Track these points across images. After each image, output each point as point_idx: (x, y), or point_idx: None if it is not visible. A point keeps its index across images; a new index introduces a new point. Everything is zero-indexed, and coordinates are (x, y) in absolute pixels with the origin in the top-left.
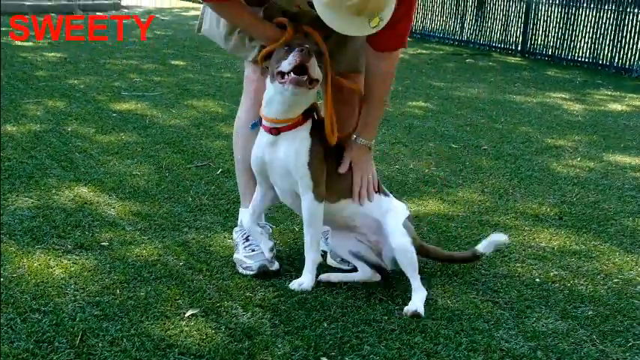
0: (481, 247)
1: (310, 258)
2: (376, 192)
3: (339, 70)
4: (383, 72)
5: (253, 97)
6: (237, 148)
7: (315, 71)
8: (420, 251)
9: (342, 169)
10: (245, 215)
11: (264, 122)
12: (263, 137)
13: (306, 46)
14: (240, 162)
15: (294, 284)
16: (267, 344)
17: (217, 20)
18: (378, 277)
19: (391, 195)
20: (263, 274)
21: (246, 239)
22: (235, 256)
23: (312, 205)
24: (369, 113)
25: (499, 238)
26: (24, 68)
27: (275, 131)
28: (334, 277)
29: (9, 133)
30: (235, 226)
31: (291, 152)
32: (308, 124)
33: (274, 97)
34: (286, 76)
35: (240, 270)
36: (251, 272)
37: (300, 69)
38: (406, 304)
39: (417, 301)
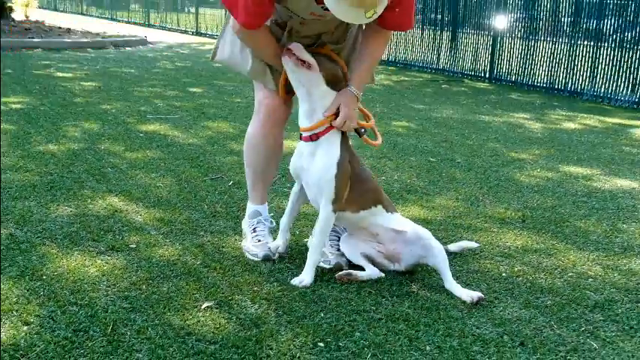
0: (452, 246)
1: (312, 259)
2: (389, 212)
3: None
4: (380, 39)
5: (263, 118)
6: (247, 157)
7: (302, 52)
8: None
9: (330, 111)
10: (254, 209)
11: (303, 135)
12: (304, 148)
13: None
14: (249, 166)
15: (296, 281)
16: (272, 332)
17: (241, 48)
18: (382, 274)
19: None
20: (267, 260)
21: (254, 230)
22: (243, 243)
23: (329, 215)
24: (362, 68)
25: (469, 244)
26: (64, 95)
27: (315, 137)
28: (354, 274)
29: (51, 151)
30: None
31: (325, 163)
32: (339, 135)
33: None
34: None
35: (248, 256)
36: (257, 258)
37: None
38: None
39: (461, 291)
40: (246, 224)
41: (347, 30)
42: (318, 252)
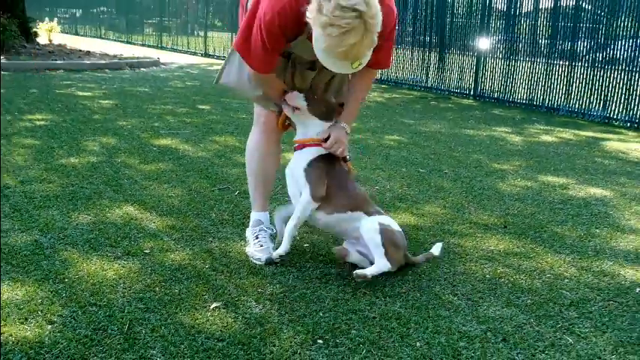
0: (435, 250)
1: (289, 234)
2: (367, 213)
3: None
4: (367, 79)
5: (261, 131)
6: (249, 167)
7: (294, 101)
8: (407, 260)
9: (323, 135)
10: (256, 217)
11: (296, 145)
12: (294, 155)
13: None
14: (251, 176)
15: (275, 255)
16: (275, 330)
17: (249, 76)
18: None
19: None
20: (269, 263)
21: (256, 237)
22: (247, 249)
23: (308, 201)
24: (351, 107)
25: (436, 248)
26: (84, 113)
27: (302, 147)
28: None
29: (72, 164)
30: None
31: (300, 159)
32: (322, 150)
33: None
34: None
35: (252, 260)
36: (260, 262)
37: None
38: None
39: (371, 267)
40: (249, 232)
41: None
42: (294, 232)
